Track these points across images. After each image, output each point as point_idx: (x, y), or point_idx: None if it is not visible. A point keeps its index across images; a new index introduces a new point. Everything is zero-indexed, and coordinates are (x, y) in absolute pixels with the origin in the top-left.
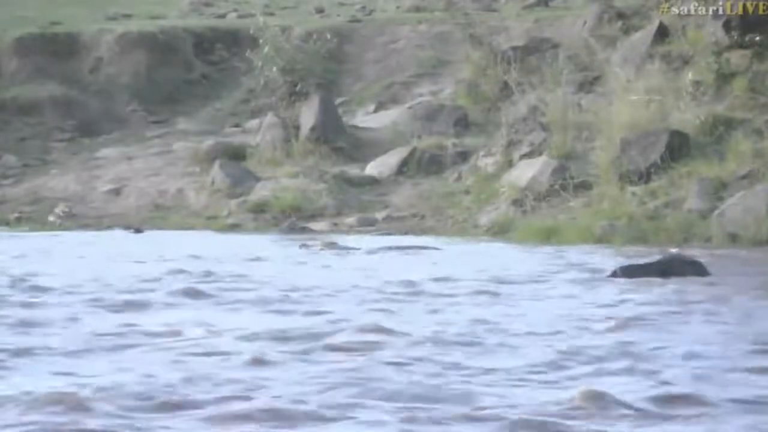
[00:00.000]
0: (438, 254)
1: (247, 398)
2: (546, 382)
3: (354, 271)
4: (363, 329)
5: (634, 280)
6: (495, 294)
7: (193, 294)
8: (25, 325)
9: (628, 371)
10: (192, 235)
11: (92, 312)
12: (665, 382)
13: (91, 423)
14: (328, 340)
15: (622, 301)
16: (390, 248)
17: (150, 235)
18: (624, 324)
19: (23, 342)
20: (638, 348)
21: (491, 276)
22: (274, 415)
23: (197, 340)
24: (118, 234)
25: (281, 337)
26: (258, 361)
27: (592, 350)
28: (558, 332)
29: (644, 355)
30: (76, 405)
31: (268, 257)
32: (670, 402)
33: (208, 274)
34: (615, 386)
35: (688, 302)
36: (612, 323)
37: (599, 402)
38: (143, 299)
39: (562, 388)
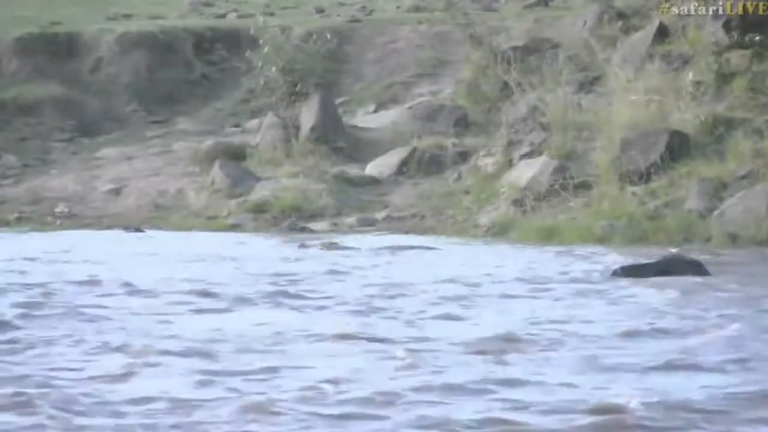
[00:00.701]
0: (452, 255)
1: None
2: (558, 390)
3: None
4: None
5: (634, 280)
6: (511, 296)
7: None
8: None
9: (635, 376)
10: (215, 236)
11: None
12: (672, 391)
13: None
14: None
15: (625, 302)
16: (410, 248)
17: (164, 236)
18: (626, 326)
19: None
20: (640, 350)
21: (499, 277)
22: None
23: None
24: (135, 234)
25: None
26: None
27: (594, 352)
28: (563, 334)
29: (649, 358)
30: None
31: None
32: (682, 411)
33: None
34: (623, 392)
35: (690, 303)
36: (615, 325)
37: (613, 413)
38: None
39: (577, 396)
